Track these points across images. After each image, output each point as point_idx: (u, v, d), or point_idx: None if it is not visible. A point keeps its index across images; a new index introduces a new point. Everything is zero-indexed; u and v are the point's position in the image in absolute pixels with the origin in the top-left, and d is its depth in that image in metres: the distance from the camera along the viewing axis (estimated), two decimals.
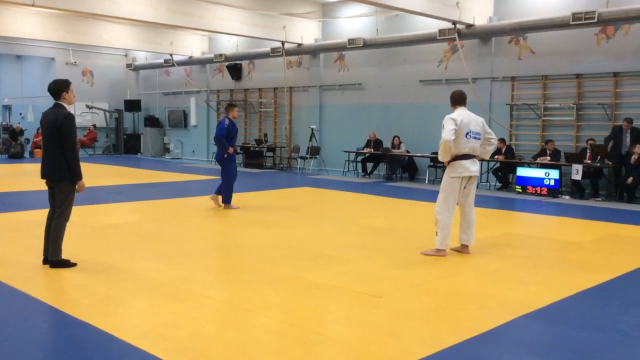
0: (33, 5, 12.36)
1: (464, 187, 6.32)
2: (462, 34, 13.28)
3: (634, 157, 10.88)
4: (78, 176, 5.49)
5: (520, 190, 12.16)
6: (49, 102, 5.60)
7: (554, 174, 11.76)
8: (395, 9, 12.51)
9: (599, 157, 11.44)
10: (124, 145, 23.43)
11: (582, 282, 5.29)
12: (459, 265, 5.95)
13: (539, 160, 12.22)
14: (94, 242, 6.77)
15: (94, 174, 14.66)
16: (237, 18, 15.70)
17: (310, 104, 17.60)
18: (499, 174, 13.04)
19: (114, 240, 6.90)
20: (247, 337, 3.83)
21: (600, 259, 6.36)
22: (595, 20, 11.20)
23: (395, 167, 15.02)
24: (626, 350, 3.73)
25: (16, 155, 20.23)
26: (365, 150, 15.30)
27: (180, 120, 22.05)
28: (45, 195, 5.76)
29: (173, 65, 20.68)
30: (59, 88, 5.53)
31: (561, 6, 12.24)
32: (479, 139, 6.31)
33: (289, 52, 17.18)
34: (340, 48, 16.18)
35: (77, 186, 5.55)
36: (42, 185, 5.78)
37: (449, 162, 6.25)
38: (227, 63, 19.53)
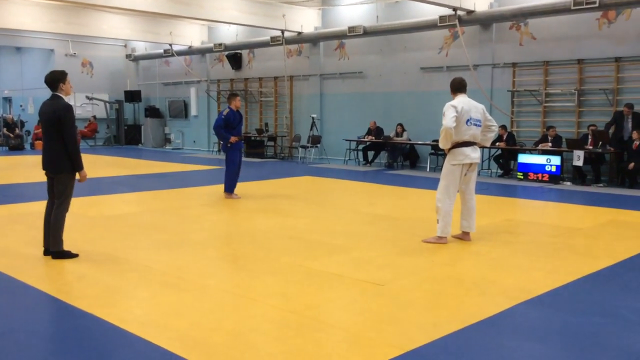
0: None
1: (465, 175, 6.31)
2: (462, 20, 13.20)
3: (636, 142, 10.84)
4: (79, 166, 5.50)
5: (522, 177, 12.15)
6: (49, 93, 5.59)
7: (556, 160, 11.73)
8: None
9: (600, 143, 11.41)
10: (125, 136, 23.42)
11: (583, 268, 5.29)
12: (460, 253, 5.95)
13: (540, 146, 12.19)
14: (95, 233, 6.78)
15: (95, 165, 14.67)
16: (236, 7, 15.61)
17: (311, 93, 17.55)
18: (500, 160, 13.01)
19: (115, 231, 6.91)
20: (248, 326, 3.84)
21: (601, 244, 6.36)
22: (597, 4, 11.12)
23: (396, 155, 14.99)
24: (627, 335, 3.74)
25: (16, 148, 20.23)
26: (366, 139, 15.28)
27: (181, 111, 22.02)
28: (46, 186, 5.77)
29: (173, 55, 20.61)
30: (55, 79, 5.51)
31: None
32: (479, 126, 6.29)
33: (288, 41, 17.10)
34: (340, 36, 16.11)
35: (79, 176, 5.55)
36: (42, 176, 5.78)
37: (450, 149, 6.24)
38: (226, 52, 19.46)
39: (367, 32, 15.19)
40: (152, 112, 22.75)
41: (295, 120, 18.15)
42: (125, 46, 23.81)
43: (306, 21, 16.88)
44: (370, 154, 15.50)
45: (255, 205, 8.94)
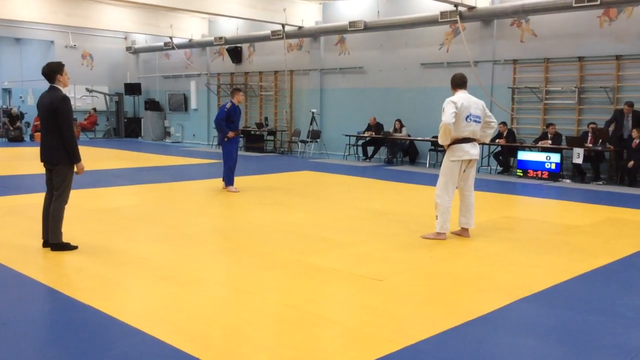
0: None
1: (464, 171, 6.31)
2: (463, 16, 13.17)
3: (636, 140, 10.84)
4: (76, 158, 5.49)
5: (521, 174, 12.15)
6: (48, 85, 5.58)
7: (555, 157, 11.73)
8: None
9: (600, 140, 11.40)
10: (125, 129, 23.39)
11: (581, 266, 5.30)
12: (458, 249, 5.96)
13: (540, 144, 12.18)
14: (94, 226, 6.78)
15: (95, 157, 14.65)
16: (237, 0, 15.56)
17: (311, 88, 17.52)
18: (500, 157, 13.01)
19: (114, 224, 6.91)
20: (246, 320, 3.85)
21: (600, 242, 6.36)
22: (598, 2, 11.10)
23: (395, 151, 14.99)
24: (624, 333, 3.75)
25: (16, 139, 20.20)
26: (365, 134, 15.27)
27: (181, 104, 21.98)
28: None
29: (173, 48, 20.56)
30: (53, 71, 5.50)
31: None
32: (479, 122, 6.28)
33: (289, 35, 17.06)
34: (341, 31, 16.07)
35: (76, 168, 5.54)
36: (41, 168, 5.77)
37: (449, 145, 6.23)
38: (227, 46, 19.42)
39: (367, 27, 15.16)
40: (152, 105, 22.72)
41: (295, 114, 18.13)
42: (125, 39, 23.75)
43: (307, 15, 16.83)
44: (370, 149, 15.49)
45: (254, 199, 8.93)
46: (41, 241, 5.68)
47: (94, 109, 22.54)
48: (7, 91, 25.68)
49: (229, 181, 9.59)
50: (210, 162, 14.59)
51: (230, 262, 5.47)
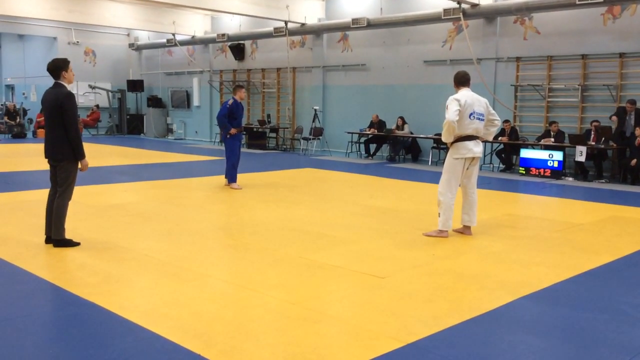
0: None
1: (467, 169, 6.30)
2: (467, 13, 13.14)
3: (639, 139, 10.81)
4: (81, 155, 5.50)
5: (524, 172, 12.13)
6: (52, 81, 5.58)
7: (558, 155, 11.72)
8: None
9: (603, 138, 11.38)
10: (127, 126, 23.41)
11: (584, 264, 5.29)
12: (460, 246, 5.95)
13: (542, 141, 12.16)
14: (97, 222, 6.79)
15: (97, 154, 14.67)
16: None
17: (314, 85, 17.51)
18: (503, 155, 12.99)
19: (117, 220, 6.92)
20: (248, 317, 3.85)
21: (602, 240, 6.35)
22: (602, 0, 11.07)
23: (398, 149, 14.98)
24: (627, 331, 3.74)
25: (19, 135, 20.23)
26: (368, 132, 15.26)
27: (183, 101, 21.99)
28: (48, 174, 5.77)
29: (175, 45, 20.56)
30: (58, 67, 5.50)
31: None
32: (482, 120, 6.28)
33: (292, 32, 17.05)
34: (343, 28, 16.06)
35: (80, 165, 5.55)
36: (45, 164, 5.78)
37: (452, 143, 6.23)
38: (229, 43, 19.41)
39: (370, 25, 15.14)
40: (155, 101, 22.73)
41: (298, 112, 18.12)
42: (128, 35, 23.75)
43: (310, 12, 16.81)
44: (372, 147, 15.48)
45: (257, 196, 8.94)
46: (44, 237, 5.69)
47: (97, 106, 22.56)
48: (10, 87, 25.72)
49: (231, 178, 9.60)
50: (212, 159, 14.59)
51: (233, 258, 5.48)
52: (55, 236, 5.54)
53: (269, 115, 18.58)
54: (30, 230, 6.21)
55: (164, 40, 21.17)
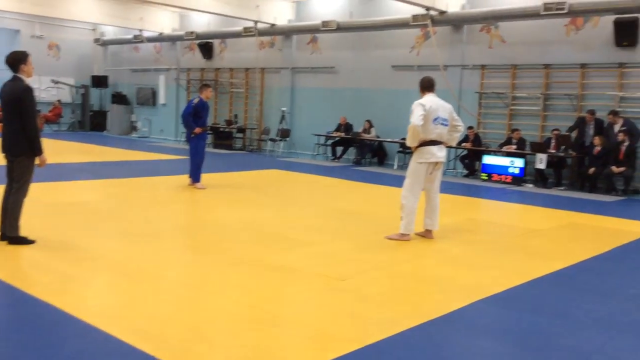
0: None
1: (430, 173, 6.37)
2: (434, 20, 13.31)
3: (597, 148, 11.12)
4: (39, 150, 5.36)
5: (486, 178, 12.34)
6: (11, 75, 5.44)
7: (519, 162, 11.96)
8: None
9: (563, 147, 11.66)
10: (90, 122, 22.93)
11: (539, 269, 5.40)
12: (421, 250, 6.02)
13: (504, 148, 12.40)
14: (54, 220, 6.63)
15: (58, 150, 14.33)
16: None
17: (282, 86, 17.48)
18: (466, 161, 13.19)
19: (75, 219, 6.77)
20: (204, 319, 3.81)
21: (558, 246, 6.51)
22: (566, 10, 11.35)
23: (364, 152, 15.06)
24: (577, 335, 3.84)
25: None
26: (335, 134, 15.30)
27: (149, 98, 21.67)
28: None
29: (142, 41, 20.26)
30: (16, 60, 5.36)
31: None
32: (446, 125, 6.36)
33: (262, 33, 16.98)
34: (313, 30, 16.08)
35: (38, 160, 5.42)
36: (1, 159, 5.61)
37: (417, 147, 6.29)
38: (198, 41, 19.22)
39: (340, 28, 15.20)
40: (119, 98, 22.33)
41: (266, 113, 18.06)
42: (94, 30, 23.28)
43: (280, 13, 16.78)
44: (339, 149, 15.54)
45: (220, 196, 8.87)
46: None
47: (59, 101, 22.04)
48: None
49: (195, 178, 9.50)
50: (177, 158, 14.42)
51: (192, 260, 5.41)
52: (10, 233, 5.39)
53: (236, 116, 18.47)
54: None
55: (131, 36, 20.83)
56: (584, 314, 4.26)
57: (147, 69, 21.78)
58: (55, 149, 14.18)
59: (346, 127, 15.19)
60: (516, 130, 12.45)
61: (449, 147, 6.95)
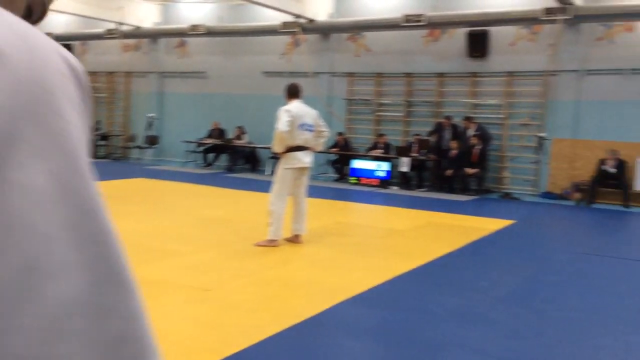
0: None
1: (297, 179, 6.45)
2: (304, 28, 13.55)
3: (453, 151, 11.93)
4: None
5: (355, 182, 12.77)
6: None
7: (385, 166, 12.51)
8: None
9: (425, 150, 12.38)
10: None
11: (399, 267, 5.66)
12: (289, 255, 6.06)
13: (371, 153, 12.91)
14: None
15: None
16: None
17: (150, 91, 16.85)
18: (337, 165, 13.55)
19: None
20: None
21: (418, 244, 6.87)
22: (424, 23, 12.09)
23: (236, 158, 14.94)
24: (433, 328, 4.06)
25: None
26: (207, 141, 15.03)
27: None
28: None
29: None
30: None
31: (396, 8, 12.93)
32: (312, 130, 6.49)
33: (126, 35, 16.26)
34: (181, 34, 15.69)
35: None
36: None
37: (283, 153, 6.35)
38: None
39: (210, 32, 14.97)
40: None
41: (133, 119, 17.29)
42: None
43: (145, 16, 16.18)
44: (212, 156, 15.28)
45: None
46: None
47: None
48: None
49: None
50: None
51: None
52: None
53: (98, 122, 17.50)
54: None
55: None
56: (439, 307, 4.52)
57: None
58: None
59: (219, 132, 14.97)
60: (382, 135, 13.02)
61: (318, 152, 7.11)
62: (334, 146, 13.19)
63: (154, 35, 16.32)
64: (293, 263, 5.75)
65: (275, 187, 6.38)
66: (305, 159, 6.43)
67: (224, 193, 10.76)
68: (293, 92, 6.56)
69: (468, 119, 12.08)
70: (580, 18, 11.09)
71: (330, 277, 5.22)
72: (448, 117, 12.33)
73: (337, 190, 11.90)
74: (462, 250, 6.65)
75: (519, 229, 8.25)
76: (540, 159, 11.61)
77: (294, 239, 6.57)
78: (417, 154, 12.40)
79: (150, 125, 15.98)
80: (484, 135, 11.90)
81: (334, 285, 4.98)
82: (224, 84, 15.69)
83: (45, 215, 0.40)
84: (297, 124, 6.29)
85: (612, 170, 10.83)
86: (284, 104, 6.61)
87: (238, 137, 14.66)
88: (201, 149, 15.35)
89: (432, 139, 12.47)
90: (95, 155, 16.83)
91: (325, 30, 13.81)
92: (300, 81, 7.07)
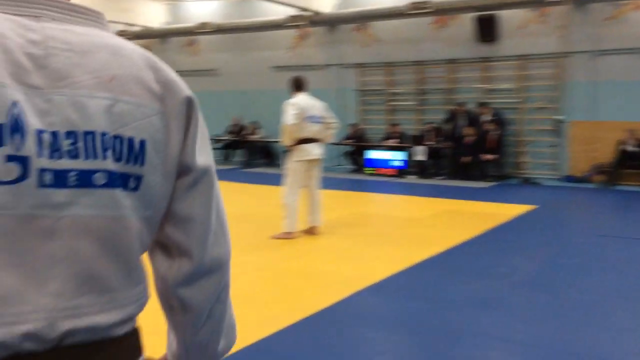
0: None
1: (308, 171, 6.44)
2: (311, 21, 13.48)
3: (468, 138, 11.80)
4: None
5: (371, 172, 12.70)
6: None
7: (401, 155, 12.43)
8: None
9: (442, 138, 12.26)
10: None
11: (417, 255, 5.61)
12: (306, 246, 6.05)
13: (387, 143, 12.83)
14: None
15: None
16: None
17: None
18: (352, 156, 13.49)
19: None
20: None
21: (435, 232, 6.82)
22: (430, 10, 11.95)
23: (253, 153, 15.00)
24: (451, 315, 4.02)
25: None
26: (225, 138, 15.12)
27: None
28: None
29: None
30: None
31: None
32: (320, 122, 6.49)
33: (136, 36, 16.29)
34: (191, 32, 15.70)
35: None
36: None
37: (293, 146, 6.36)
38: None
39: (219, 29, 14.98)
40: None
41: None
42: None
43: (154, 16, 16.22)
44: (228, 152, 15.37)
45: None
46: None
47: None
48: None
49: None
50: None
51: None
52: None
53: None
54: None
55: None
56: (457, 295, 4.47)
57: None
58: None
59: (240, 128, 15.05)
60: (396, 124, 12.93)
61: (331, 144, 7.10)
62: (349, 137, 13.14)
63: (163, 35, 16.37)
64: (309, 254, 5.74)
65: (287, 180, 6.39)
66: (314, 150, 6.42)
67: (241, 188, 10.78)
68: (298, 85, 6.59)
69: (483, 104, 11.94)
70: None
71: (346, 268, 5.21)
72: (461, 104, 12.20)
73: (354, 181, 11.85)
74: (481, 237, 6.58)
75: (540, 213, 8.14)
76: (558, 142, 11.43)
77: (310, 231, 6.57)
78: (434, 142, 12.29)
79: None
80: (500, 121, 11.76)
81: (350, 275, 4.96)
82: (235, 80, 15.69)
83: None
84: (305, 117, 6.31)
85: (633, 149, 10.63)
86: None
87: (252, 132, 14.68)
88: (219, 145, 15.39)
89: (447, 126, 12.35)
90: None
91: (331, 22, 13.71)
92: (309, 74, 7.05)
